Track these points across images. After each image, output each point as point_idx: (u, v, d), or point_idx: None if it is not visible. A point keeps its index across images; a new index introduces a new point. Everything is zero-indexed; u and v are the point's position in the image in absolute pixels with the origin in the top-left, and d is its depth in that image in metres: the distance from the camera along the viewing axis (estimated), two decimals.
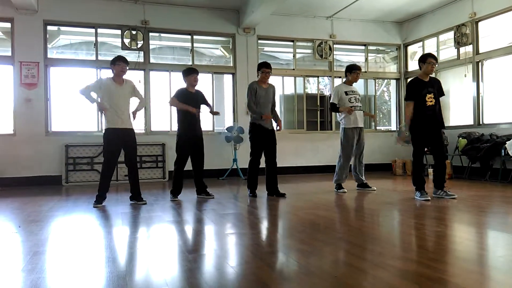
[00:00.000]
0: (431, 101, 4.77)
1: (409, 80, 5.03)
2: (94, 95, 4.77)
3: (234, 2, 8.10)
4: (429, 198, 4.67)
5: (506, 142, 6.42)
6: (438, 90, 4.88)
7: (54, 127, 7.59)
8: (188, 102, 5.05)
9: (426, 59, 4.82)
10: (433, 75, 4.92)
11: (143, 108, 8.10)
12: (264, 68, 5.17)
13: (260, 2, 7.31)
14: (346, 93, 5.59)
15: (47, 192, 6.26)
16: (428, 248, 2.73)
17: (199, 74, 5.23)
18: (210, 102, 5.54)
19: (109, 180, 4.77)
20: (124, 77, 4.90)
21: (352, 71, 5.61)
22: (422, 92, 4.77)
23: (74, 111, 8.12)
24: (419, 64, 4.92)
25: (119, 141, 4.73)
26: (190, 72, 5.16)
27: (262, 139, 5.16)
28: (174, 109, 5.26)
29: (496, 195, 5.20)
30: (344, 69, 5.90)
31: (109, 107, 4.68)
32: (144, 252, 2.72)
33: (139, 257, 2.62)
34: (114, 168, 4.86)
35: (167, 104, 6.97)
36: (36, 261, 2.47)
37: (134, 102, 5.08)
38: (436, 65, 4.88)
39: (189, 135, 5.09)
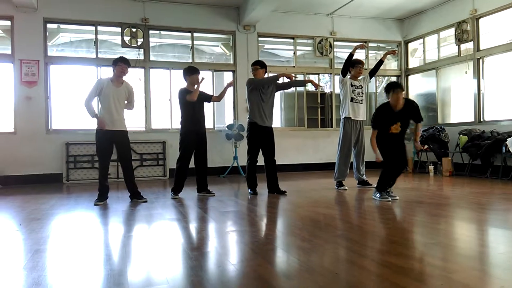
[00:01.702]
0: (396, 130, 4.49)
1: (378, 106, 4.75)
2: (95, 106, 4.79)
3: None
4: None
5: (507, 139, 6.42)
6: (409, 118, 4.54)
7: (55, 125, 7.59)
8: (192, 101, 5.06)
9: (390, 89, 4.41)
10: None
11: (144, 107, 8.07)
12: (257, 65, 5.34)
13: None
14: (351, 84, 5.66)
15: (48, 190, 6.27)
16: (428, 245, 2.73)
17: (199, 72, 5.25)
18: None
19: (106, 177, 4.78)
20: (126, 79, 4.92)
21: (354, 65, 5.65)
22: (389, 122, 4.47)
23: (75, 109, 8.11)
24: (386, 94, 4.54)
25: (109, 142, 4.76)
26: (192, 72, 5.16)
27: (260, 137, 5.17)
28: (175, 106, 5.26)
29: (497, 192, 5.20)
30: None
31: (106, 115, 4.70)
32: (145, 250, 2.72)
33: (140, 255, 2.63)
34: (108, 166, 4.86)
35: (168, 102, 6.94)
36: (37, 259, 2.47)
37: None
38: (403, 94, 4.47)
39: (193, 132, 5.09)
